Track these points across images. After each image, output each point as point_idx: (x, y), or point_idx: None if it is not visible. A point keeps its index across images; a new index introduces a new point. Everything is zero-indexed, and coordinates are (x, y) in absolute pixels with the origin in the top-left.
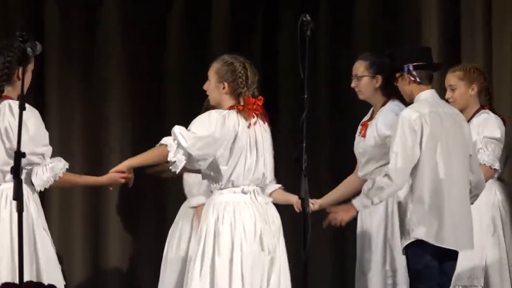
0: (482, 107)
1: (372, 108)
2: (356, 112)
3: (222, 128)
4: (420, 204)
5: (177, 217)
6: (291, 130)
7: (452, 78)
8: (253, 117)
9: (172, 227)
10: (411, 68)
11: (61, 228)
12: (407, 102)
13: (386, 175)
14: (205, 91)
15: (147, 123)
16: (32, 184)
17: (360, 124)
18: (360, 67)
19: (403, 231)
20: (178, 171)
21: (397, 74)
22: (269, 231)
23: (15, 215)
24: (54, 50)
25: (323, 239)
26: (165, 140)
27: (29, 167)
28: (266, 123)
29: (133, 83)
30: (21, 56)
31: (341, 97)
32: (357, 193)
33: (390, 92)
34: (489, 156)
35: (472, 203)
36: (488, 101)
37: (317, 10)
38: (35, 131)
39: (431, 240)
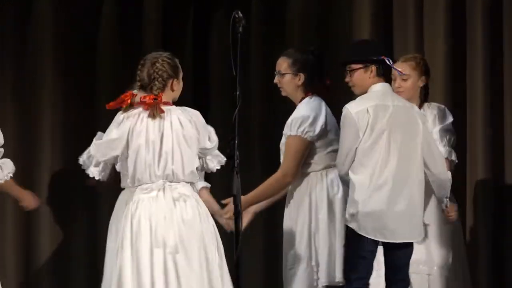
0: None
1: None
2: (289, 109)
3: (118, 129)
4: (362, 195)
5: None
6: (223, 127)
7: (406, 67)
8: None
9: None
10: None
11: None
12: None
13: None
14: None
15: (78, 121)
16: None
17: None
18: (283, 64)
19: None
20: (105, 179)
21: (359, 66)
22: (170, 227)
23: None
24: None
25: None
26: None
27: None
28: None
29: (65, 83)
30: None
31: (273, 94)
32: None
33: (310, 89)
34: (445, 147)
35: (443, 205)
36: (425, 95)
37: (248, 7)
38: None
39: (364, 232)
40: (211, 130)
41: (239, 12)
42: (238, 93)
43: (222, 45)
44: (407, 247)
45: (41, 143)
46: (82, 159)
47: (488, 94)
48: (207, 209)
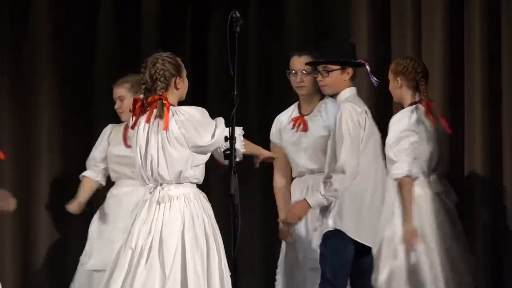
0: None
1: (298, 103)
2: (286, 105)
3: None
4: (350, 198)
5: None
6: None
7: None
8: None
9: None
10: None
11: None
12: None
13: (340, 170)
14: None
15: (77, 121)
16: None
17: (292, 119)
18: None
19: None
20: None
21: (336, 67)
22: (145, 229)
23: None
24: None
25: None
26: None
27: None
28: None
29: (63, 84)
30: None
31: (272, 94)
32: None
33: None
34: None
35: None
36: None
37: (246, 7)
38: None
39: (351, 233)
40: (211, 127)
41: (237, 12)
42: (235, 92)
43: (221, 45)
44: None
45: (39, 144)
46: None
47: (486, 93)
48: (199, 210)
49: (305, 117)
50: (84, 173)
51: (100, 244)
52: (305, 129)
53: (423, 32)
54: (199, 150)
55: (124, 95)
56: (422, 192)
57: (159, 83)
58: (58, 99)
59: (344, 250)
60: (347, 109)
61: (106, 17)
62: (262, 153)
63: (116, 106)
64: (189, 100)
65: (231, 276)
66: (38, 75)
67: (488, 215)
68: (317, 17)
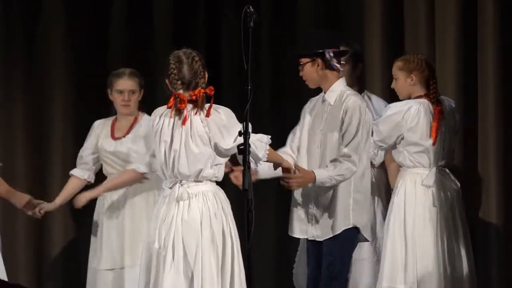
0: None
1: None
2: (299, 103)
3: (151, 128)
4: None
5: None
6: None
7: (393, 68)
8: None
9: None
10: (331, 54)
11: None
12: None
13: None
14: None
15: (90, 120)
16: None
17: None
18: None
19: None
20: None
21: (306, 60)
22: (165, 228)
23: None
24: None
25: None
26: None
27: None
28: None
29: (76, 83)
30: None
31: (283, 90)
32: None
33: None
34: None
35: None
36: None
37: (258, 4)
38: None
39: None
40: (234, 131)
41: (250, 7)
42: (249, 87)
43: (234, 41)
44: None
45: (53, 143)
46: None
47: (499, 90)
48: (217, 209)
49: None
50: (72, 172)
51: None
52: None
53: (437, 30)
54: (219, 151)
55: (136, 88)
56: (420, 187)
57: (200, 77)
58: (71, 99)
59: (355, 247)
60: (357, 103)
61: (119, 14)
62: (283, 163)
63: (124, 98)
64: None
65: (246, 270)
66: (50, 75)
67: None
68: (329, 14)
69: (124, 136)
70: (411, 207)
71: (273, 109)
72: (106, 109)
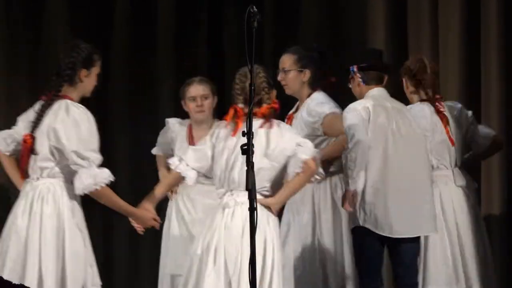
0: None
1: (298, 102)
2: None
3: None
4: (368, 191)
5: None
6: None
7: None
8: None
9: None
10: (355, 69)
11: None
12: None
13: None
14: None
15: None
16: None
17: (286, 117)
18: (288, 61)
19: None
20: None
21: (349, 76)
22: (209, 235)
23: (46, 210)
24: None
25: None
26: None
27: (74, 167)
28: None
29: None
30: (86, 58)
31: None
32: None
33: (316, 85)
34: None
35: None
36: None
37: (261, 5)
38: (86, 134)
39: (371, 226)
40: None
41: (254, 7)
42: (252, 87)
43: (237, 41)
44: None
45: None
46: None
47: (503, 90)
48: (264, 218)
49: (294, 115)
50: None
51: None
52: None
53: (440, 29)
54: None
55: (208, 93)
56: (445, 187)
57: (264, 93)
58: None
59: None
60: (347, 109)
61: (122, 11)
62: None
63: (198, 104)
64: None
65: (249, 271)
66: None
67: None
68: (333, 14)
69: None
70: (450, 208)
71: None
72: (107, 109)
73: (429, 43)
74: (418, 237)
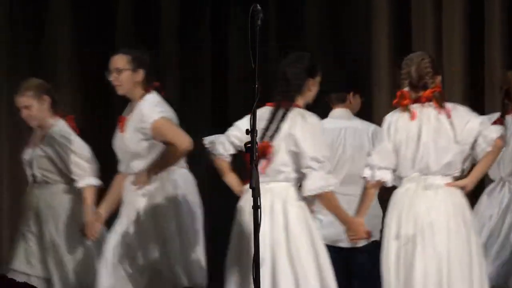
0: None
1: (130, 103)
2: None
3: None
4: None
5: None
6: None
7: None
8: None
9: None
10: None
11: None
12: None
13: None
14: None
15: (96, 120)
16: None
17: (118, 119)
18: (121, 61)
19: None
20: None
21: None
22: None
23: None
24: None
25: None
26: None
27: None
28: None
29: (81, 83)
30: (310, 68)
31: None
32: None
33: (149, 86)
34: None
35: None
36: None
37: (266, 3)
38: (320, 137)
39: None
40: None
41: (258, 5)
42: (256, 86)
43: (241, 39)
44: None
45: None
46: None
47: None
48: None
49: (127, 117)
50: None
51: None
52: (123, 130)
53: (444, 30)
54: None
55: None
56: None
57: (428, 78)
58: (77, 98)
59: None
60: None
61: (125, 9)
62: None
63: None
64: (209, 91)
65: (253, 270)
66: (56, 76)
67: None
68: (336, 14)
69: None
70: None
71: None
72: (112, 109)
73: (432, 43)
74: None
